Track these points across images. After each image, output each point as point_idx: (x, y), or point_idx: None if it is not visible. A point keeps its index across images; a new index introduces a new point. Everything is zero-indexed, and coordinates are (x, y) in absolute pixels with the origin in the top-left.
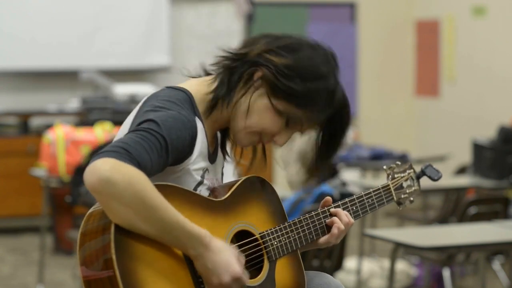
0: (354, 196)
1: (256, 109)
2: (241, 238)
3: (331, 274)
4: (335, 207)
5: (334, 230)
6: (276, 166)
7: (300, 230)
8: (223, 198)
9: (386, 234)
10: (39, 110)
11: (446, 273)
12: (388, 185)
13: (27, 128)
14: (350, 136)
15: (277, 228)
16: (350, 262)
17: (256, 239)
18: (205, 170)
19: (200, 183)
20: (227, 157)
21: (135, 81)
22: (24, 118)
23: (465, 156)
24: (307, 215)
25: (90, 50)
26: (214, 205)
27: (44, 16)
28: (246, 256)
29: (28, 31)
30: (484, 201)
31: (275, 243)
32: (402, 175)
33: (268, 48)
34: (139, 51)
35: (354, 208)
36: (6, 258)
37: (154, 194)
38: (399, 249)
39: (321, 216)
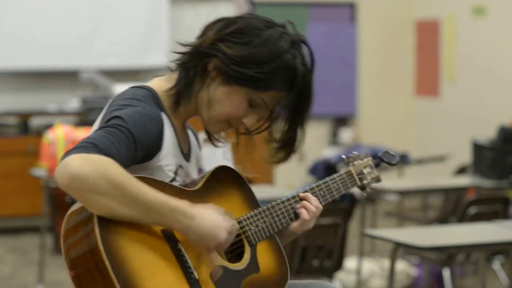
0: (320, 182)
1: (216, 98)
2: None
3: (331, 274)
4: (303, 191)
5: (304, 215)
6: (276, 167)
7: (274, 214)
8: (196, 188)
9: (386, 234)
10: (39, 110)
11: (446, 273)
12: (350, 170)
13: (27, 128)
14: (350, 136)
15: (252, 213)
16: (350, 262)
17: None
18: (179, 167)
19: (173, 180)
20: (218, 143)
21: (135, 81)
22: (24, 118)
23: (465, 156)
24: (279, 201)
25: (90, 50)
26: (189, 194)
27: (44, 16)
28: None
29: (28, 31)
30: (484, 201)
31: (253, 228)
32: (361, 162)
33: (219, 36)
34: (139, 51)
35: (322, 193)
36: (6, 258)
37: (127, 177)
38: (399, 249)
39: (292, 201)
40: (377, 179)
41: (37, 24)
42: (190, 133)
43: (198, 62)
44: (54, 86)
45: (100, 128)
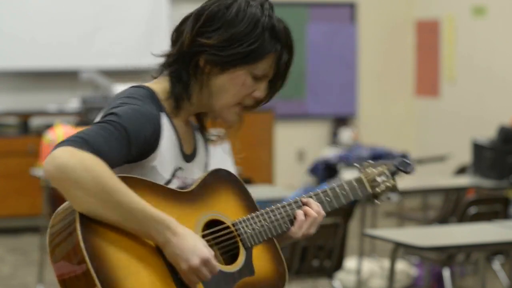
0: (327, 188)
1: (221, 88)
2: (212, 228)
3: (331, 274)
4: (307, 196)
5: (300, 216)
6: (276, 166)
7: (273, 218)
8: (190, 189)
9: (386, 234)
10: (39, 110)
11: (446, 273)
12: (360, 177)
13: (27, 128)
14: (350, 136)
15: (249, 216)
16: (350, 262)
17: (228, 227)
18: (177, 169)
19: (168, 182)
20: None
21: (135, 81)
22: (24, 118)
23: (465, 156)
24: (279, 205)
25: (90, 50)
26: (181, 196)
27: (44, 16)
28: (220, 243)
29: (28, 31)
30: (484, 201)
31: (249, 230)
32: (374, 170)
33: (195, 31)
34: (139, 51)
35: (328, 199)
36: (6, 258)
37: (113, 178)
38: (399, 249)
39: (294, 205)
40: (393, 189)
41: (37, 24)
42: (198, 138)
43: (188, 64)
44: (54, 86)
45: (95, 123)
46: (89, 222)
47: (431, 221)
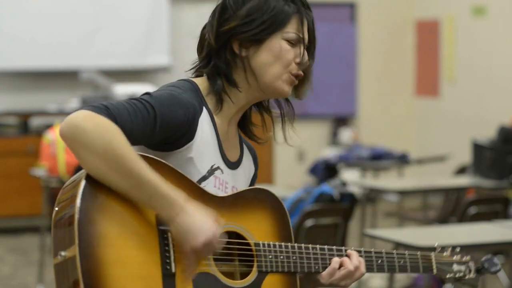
0: (383, 251)
1: (264, 63)
2: (235, 239)
3: None
4: (356, 250)
5: (335, 264)
6: (276, 166)
7: (304, 255)
8: (222, 195)
9: (386, 234)
10: (39, 110)
11: None
12: (430, 255)
13: (27, 128)
14: (350, 136)
15: (278, 244)
16: None
17: (249, 244)
18: (216, 168)
19: (205, 178)
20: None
21: (135, 81)
22: (24, 118)
23: (465, 156)
24: (318, 246)
25: (90, 50)
26: (210, 198)
27: (44, 16)
28: (238, 256)
29: (28, 31)
30: (484, 201)
31: (270, 256)
32: (453, 257)
33: (216, 25)
34: (139, 51)
35: (379, 261)
36: (6, 258)
37: (126, 146)
38: (399, 249)
39: (335, 251)
40: (471, 283)
41: (37, 24)
42: (246, 149)
43: (224, 55)
44: (54, 86)
45: (126, 99)
46: (94, 187)
47: (431, 221)
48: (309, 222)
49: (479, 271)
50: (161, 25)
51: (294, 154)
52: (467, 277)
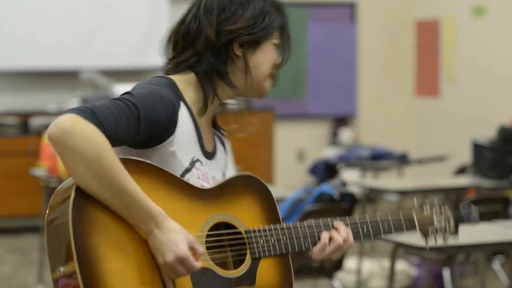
0: (368, 218)
1: (258, 64)
2: (226, 230)
3: (331, 274)
4: (340, 219)
5: (325, 239)
6: (276, 166)
7: (294, 235)
8: (208, 187)
9: None
10: (39, 110)
11: (446, 273)
12: (411, 214)
13: (27, 128)
14: (350, 136)
15: (267, 228)
16: (350, 262)
17: (240, 233)
18: (196, 160)
19: (188, 170)
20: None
21: (135, 81)
22: (24, 118)
23: (465, 156)
24: (305, 223)
25: (90, 50)
26: (196, 191)
27: (44, 16)
28: (230, 245)
29: (28, 31)
30: (484, 201)
31: (262, 241)
32: (433, 209)
33: (217, 23)
34: (139, 51)
35: (365, 229)
36: (6, 258)
37: (111, 156)
38: (399, 249)
39: (322, 226)
40: (452, 232)
41: (37, 24)
42: (217, 139)
43: (224, 55)
44: (54, 86)
45: (109, 100)
46: (86, 198)
47: None
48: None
49: (458, 221)
50: (161, 25)
51: (294, 154)
52: (447, 229)
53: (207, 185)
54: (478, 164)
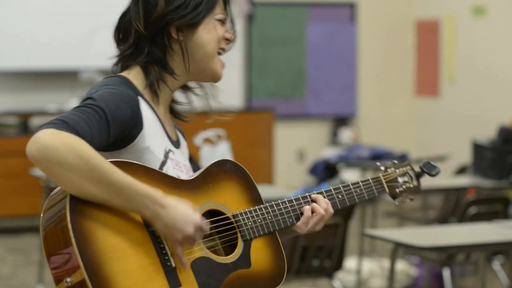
0: (341, 185)
1: (200, 44)
2: (212, 217)
3: (331, 274)
4: (317, 193)
5: (308, 213)
6: (276, 166)
7: (277, 212)
8: (191, 178)
9: (386, 234)
10: (39, 110)
11: (446, 273)
12: (379, 176)
13: (27, 128)
14: (350, 136)
15: (252, 209)
16: (350, 262)
17: (228, 218)
18: (169, 151)
19: (164, 162)
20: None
21: None
22: (24, 118)
23: (465, 156)
24: (286, 199)
25: (90, 50)
26: (180, 183)
27: (44, 16)
28: (218, 233)
29: (28, 31)
30: (484, 201)
31: (249, 223)
32: (396, 170)
33: (144, 11)
34: None
35: (340, 196)
36: (6, 258)
37: (97, 156)
38: (399, 249)
39: (301, 200)
40: (416, 190)
41: (37, 24)
42: (175, 127)
43: (160, 42)
44: (54, 86)
45: (73, 108)
46: (80, 205)
47: (431, 221)
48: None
49: (419, 175)
50: None
51: (294, 154)
52: (411, 185)
53: (182, 174)
54: (478, 164)
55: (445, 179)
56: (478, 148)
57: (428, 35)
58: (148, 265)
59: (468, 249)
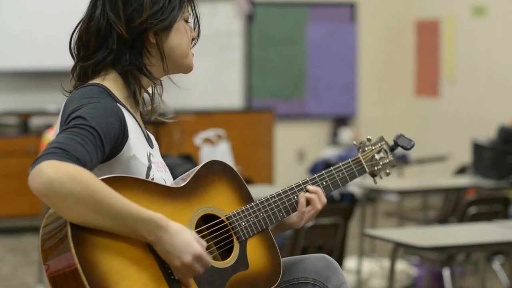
0: (323, 171)
1: (175, 45)
2: (207, 222)
3: None
4: (303, 183)
5: (302, 208)
6: (276, 167)
7: (268, 208)
8: (182, 184)
9: (386, 234)
10: (39, 110)
11: (446, 273)
12: (358, 157)
13: (27, 128)
14: (350, 136)
15: (243, 208)
16: (350, 262)
17: (223, 221)
18: (150, 155)
19: (150, 168)
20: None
21: None
22: (24, 118)
23: (465, 156)
24: (274, 194)
25: None
26: (173, 191)
27: (44, 16)
28: (214, 238)
29: (28, 31)
30: (484, 201)
31: (243, 223)
32: (372, 147)
33: (125, 18)
34: None
35: (325, 183)
36: (6, 258)
37: (101, 186)
38: (399, 249)
39: (289, 193)
40: (392, 164)
41: (37, 24)
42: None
43: (140, 47)
44: (54, 86)
45: (63, 130)
46: (80, 231)
47: (431, 221)
48: (309, 222)
49: (393, 149)
50: None
51: (294, 154)
52: (387, 160)
53: (166, 175)
54: (478, 164)
55: (445, 179)
56: (478, 148)
57: (428, 35)
58: (152, 280)
59: (468, 249)
